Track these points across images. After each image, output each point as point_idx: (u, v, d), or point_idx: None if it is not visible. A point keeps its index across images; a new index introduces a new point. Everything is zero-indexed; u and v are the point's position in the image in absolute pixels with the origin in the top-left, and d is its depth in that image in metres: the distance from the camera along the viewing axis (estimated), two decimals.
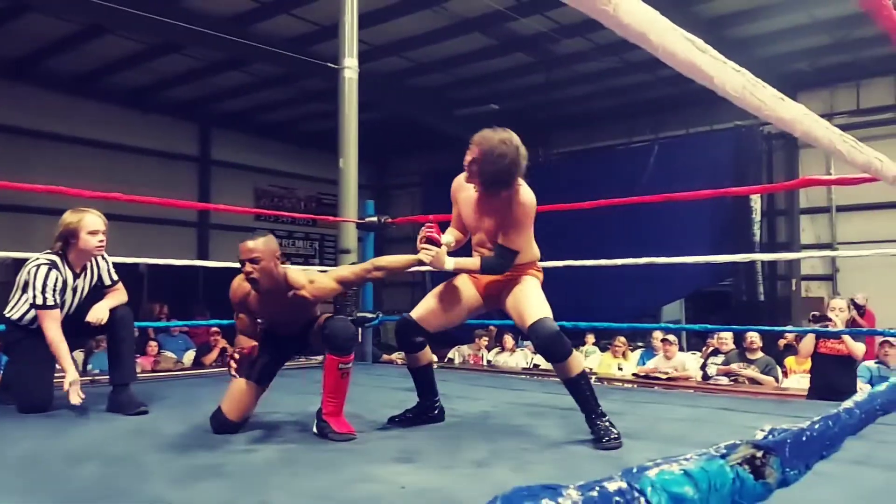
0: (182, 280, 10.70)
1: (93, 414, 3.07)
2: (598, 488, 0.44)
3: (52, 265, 3.11)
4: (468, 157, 2.81)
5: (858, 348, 4.73)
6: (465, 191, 2.98)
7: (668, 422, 3.21)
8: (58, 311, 3.10)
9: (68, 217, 3.19)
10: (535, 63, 10.03)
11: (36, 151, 10.24)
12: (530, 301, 2.74)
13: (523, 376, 5.74)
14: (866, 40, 8.74)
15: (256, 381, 2.78)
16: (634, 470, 0.48)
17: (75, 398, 2.98)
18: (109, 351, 3.33)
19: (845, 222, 10.20)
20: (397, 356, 8.24)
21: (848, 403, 0.92)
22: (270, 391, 2.90)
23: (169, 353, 7.48)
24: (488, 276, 2.87)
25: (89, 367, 6.62)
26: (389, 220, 5.53)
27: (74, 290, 3.22)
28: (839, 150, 1.19)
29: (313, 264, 13.87)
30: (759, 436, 0.65)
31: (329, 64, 5.96)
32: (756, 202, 10.41)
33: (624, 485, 0.45)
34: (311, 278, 2.76)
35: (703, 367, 6.80)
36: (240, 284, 2.76)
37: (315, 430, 2.68)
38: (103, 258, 3.35)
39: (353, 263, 5.34)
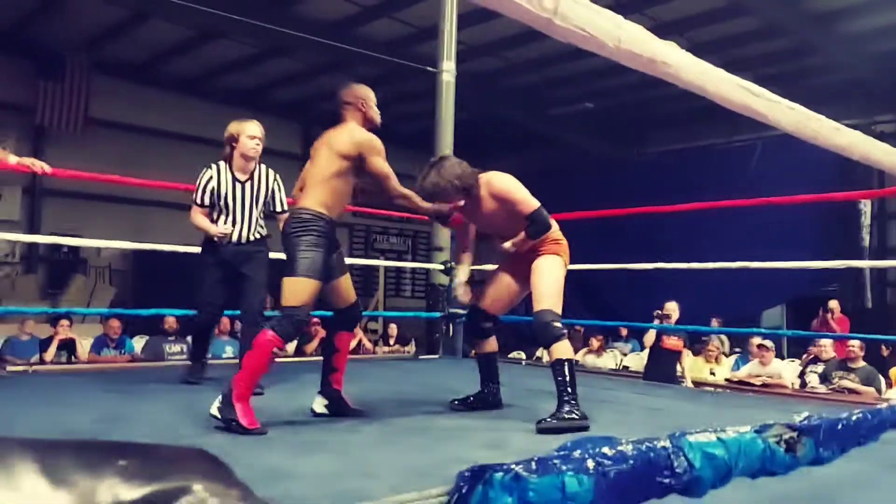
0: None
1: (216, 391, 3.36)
2: (646, 444, 0.56)
3: (212, 170, 3.67)
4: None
5: None
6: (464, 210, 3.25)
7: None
8: (203, 209, 3.67)
9: (232, 126, 3.70)
10: None
11: (153, 148, 10.99)
12: (541, 288, 3.01)
13: (612, 377, 5.77)
14: None
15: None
16: (678, 433, 0.60)
17: (223, 230, 3.61)
18: (242, 336, 3.75)
19: None
20: None
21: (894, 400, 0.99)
22: (363, 378, 3.10)
23: None
24: (520, 260, 3.12)
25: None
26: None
27: (237, 192, 3.67)
28: None
29: (406, 260, 14.23)
30: (797, 420, 0.74)
31: (428, 68, 6.16)
32: (865, 205, 9.93)
33: (668, 443, 0.57)
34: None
35: (802, 374, 6.60)
36: None
37: (217, 412, 2.55)
38: (277, 184, 3.82)
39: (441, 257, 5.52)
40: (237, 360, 3.31)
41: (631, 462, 0.54)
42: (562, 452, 0.54)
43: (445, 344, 6.03)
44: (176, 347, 7.34)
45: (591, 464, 0.52)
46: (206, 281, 3.72)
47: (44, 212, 10.47)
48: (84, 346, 7.09)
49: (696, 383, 5.20)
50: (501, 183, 3.13)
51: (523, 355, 8.43)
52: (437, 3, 6.07)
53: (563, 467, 0.50)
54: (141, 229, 10.58)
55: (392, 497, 0.50)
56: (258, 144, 3.69)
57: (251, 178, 3.73)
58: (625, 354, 9.02)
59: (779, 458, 0.68)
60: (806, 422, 0.75)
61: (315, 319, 7.88)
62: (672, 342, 6.00)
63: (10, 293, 9.66)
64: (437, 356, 5.91)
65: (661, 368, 5.72)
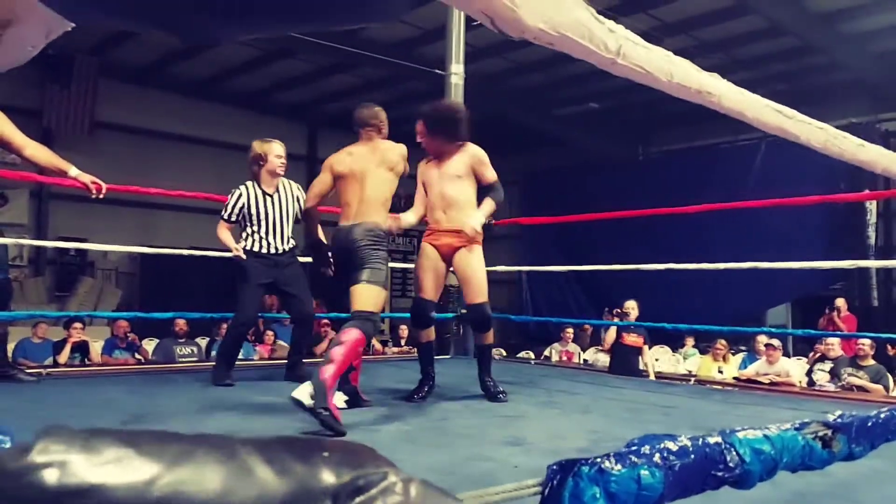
0: None
1: (241, 391, 3.43)
2: (702, 439, 0.61)
3: (242, 189, 3.97)
4: (419, 139, 3.55)
5: None
6: (428, 171, 3.59)
7: (767, 422, 3.24)
8: (230, 224, 3.96)
9: (257, 146, 4.01)
10: None
11: (161, 151, 11.06)
12: (475, 279, 3.44)
13: (622, 375, 5.81)
14: None
15: None
16: (728, 431, 0.65)
17: (239, 254, 3.88)
18: (300, 337, 4.23)
19: None
20: (495, 352, 8.43)
21: None
22: (378, 378, 3.14)
23: (282, 343, 7.96)
24: (445, 243, 3.49)
25: (213, 353, 7.15)
26: (493, 221, 5.70)
27: (268, 206, 3.97)
28: None
29: (411, 261, 14.27)
30: (831, 418, 0.79)
31: (436, 70, 6.21)
32: (872, 203, 9.94)
33: (720, 440, 0.62)
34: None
35: (809, 373, 6.63)
36: None
37: (307, 398, 2.57)
38: (301, 192, 4.11)
39: None
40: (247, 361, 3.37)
41: (692, 456, 0.58)
42: (633, 448, 0.58)
43: (456, 344, 6.08)
44: (186, 349, 7.41)
45: (658, 458, 0.56)
46: (247, 291, 3.92)
47: (51, 215, 10.53)
48: (96, 349, 7.15)
49: (705, 381, 5.23)
50: (478, 149, 3.51)
51: (532, 355, 8.48)
52: (441, 5, 6.11)
53: (637, 461, 0.55)
54: (148, 232, 10.65)
55: (492, 488, 0.55)
56: (284, 162, 4.05)
57: (277, 191, 4.03)
58: None
59: (817, 454, 0.73)
60: (840, 419, 0.79)
61: (325, 321, 7.95)
62: (632, 339, 6.43)
63: (19, 296, 9.71)
64: (448, 356, 5.95)
65: (624, 363, 6.17)
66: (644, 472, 0.54)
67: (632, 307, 6.62)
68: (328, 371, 2.61)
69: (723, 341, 7.43)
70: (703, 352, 8.33)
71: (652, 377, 6.03)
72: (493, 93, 11.04)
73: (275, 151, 4.02)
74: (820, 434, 0.74)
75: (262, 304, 4.15)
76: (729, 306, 10.35)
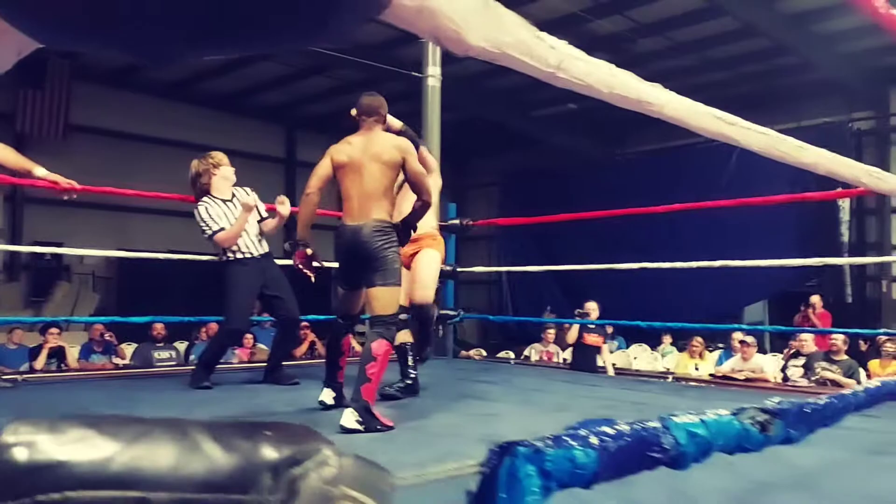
0: None
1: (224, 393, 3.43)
2: (640, 424, 0.64)
3: (204, 203, 3.92)
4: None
5: None
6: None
7: None
8: (227, 231, 3.87)
9: (200, 162, 4.01)
10: (612, 62, 10.02)
11: (136, 154, 10.97)
12: (424, 281, 3.61)
13: (597, 374, 5.87)
14: None
15: None
16: (667, 415, 0.68)
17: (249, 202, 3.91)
18: (284, 339, 4.28)
19: None
20: (475, 352, 8.47)
21: (859, 388, 1.08)
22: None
23: (262, 346, 7.93)
24: (410, 251, 3.62)
25: (192, 357, 7.12)
26: (471, 222, 5.73)
27: (233, 211, 3.93)
28: (864, 183, 1.33)
29: None
30: (770, 404, 0.83)
31: (413, 73, 6.22)
32: (844, 201, 10.09)
33: (658, 424, 0.65)
34: None
35: (784, 368, 6.73)
36: None
37: (356, 425, 2.65)
38: (255, 195, 4.07)
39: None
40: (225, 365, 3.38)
41: (627, 439, 0.61)
42: (570, 431, 0.61)
43: (437, 344, 6.09)
44: (165, 354, 7.36)
45: (594, 440, 0.59)
46: (239, 298, 3.91)
47: (26, 219, 10.41)
48: (72, 354, 7.09)
49: (681, 378, 5.30)
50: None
51: (511, 354, 8.52)
52: None
53: (573, 443, 0.58)
54: (125, 236, 10.56)
55: (435, 468, 0.57)
56: (233, 169, 4.09)
57: (234, 196, 4.03)
58: (612, 352, 9.13)
59: (753, 437, 0.76)
60: (778, 405, 0.83)
61: (304, 323, 7.93)
62: (592, 338, 6.77)
63: None
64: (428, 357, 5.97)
65: (585, 360, 6.54)
66: (578, 452, 0.57)
67: (592, 308, 6.94)
68: (368, 390, 2.72)
69: (698, 338, 7.52)
70: (680, 349, 8.42)
71: (610, 373, 6.36)
72: (471, 94, 11.08)
73: (226, 159, 4.07)
74: (758, 419, 0.78)
75: (254, 311, 4.12)
76: (706, 304, 10.46)
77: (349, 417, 2.65)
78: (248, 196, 4.03)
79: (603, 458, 0.58)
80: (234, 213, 3.94)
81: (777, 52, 9.25)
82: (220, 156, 4.06)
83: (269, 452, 0.47)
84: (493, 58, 0.67)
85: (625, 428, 0.63)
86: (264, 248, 4.05)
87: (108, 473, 0.44)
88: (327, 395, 3.17)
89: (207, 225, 3.90)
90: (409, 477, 0.54)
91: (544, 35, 0.71)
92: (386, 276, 2.89)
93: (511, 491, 0.51)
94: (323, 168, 3.08)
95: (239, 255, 3.92)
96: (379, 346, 2.80)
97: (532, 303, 13.08)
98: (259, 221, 4.08)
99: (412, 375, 3.62)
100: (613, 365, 7.34)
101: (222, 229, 3.88)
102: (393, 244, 2.94)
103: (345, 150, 3.05)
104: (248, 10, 0.47)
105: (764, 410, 0.79)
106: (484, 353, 8.28)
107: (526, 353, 8.91)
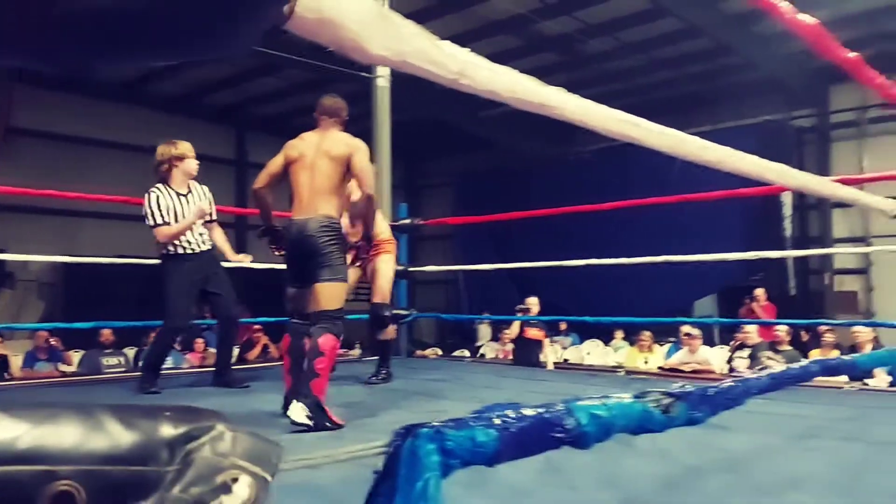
0: None
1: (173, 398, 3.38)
2: (546, 408, 0.68)
3: (156, 191, 3.87)
4: None
5: None
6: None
7: None
8: (169, 227, 3.80)
9: (170, 148, 3.96)
10: (561, 63, 10.19)
11: (83, 157, 10.71)
12: (383, 290, 3.97)
13: (553, 370, 5.96)
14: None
15: None
16: (572, 399, 0.72)
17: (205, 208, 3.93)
18: (225, 342, 4.22)
19: (879, 215, 10.15)
20: (430, 352, 8.50)
21: (764, 374, 1.14)
22: None
23: (213, 350, 7.84)
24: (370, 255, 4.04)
25: (141, 363, 6.99)
26: (421, 221, 5.77)
27: (184, 206, 3.89)
28: (770, 179, 1.41)
29: None
30: (673, 388, 0.88)
31: (363, 73, 6.22)
32: (787, 197, 10.40)
33: (563, 407, 0.69)
34: None
35: (730, 360, 6.92)
36: None
37: (305, 419, 2.65)
38: (209, 193, 4.08)
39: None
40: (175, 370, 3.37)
41: (530, 420, 0.65)
42: (475, 414, 0.64)
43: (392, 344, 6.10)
44: (113, 360, 7.23)
45: (497, 421, 0.63)
46: (176, 296, 3.83)
47: None
48: (16, 362, 6.90)
49: (631, 372, 5.42)
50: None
51: (467, 353, 8.59)
52: None
53: (474, 424, 0.61)
54: (72, 241, 10.30)
55: (343, 448, 0.60)
56: (197, 163, 4.06)
57: (191, 191, 3.99)
58: (565, 348, 9.27)
59: (655, 419, 0.81)
60: (680, 389, 0.88)
61: (256, 326, 7.86)
62: (533, 333, 6.98)
63: None
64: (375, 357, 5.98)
65: (526, 354, 6.75)
66: (479, 432, 0.61)
67: (533, 303, 7.17)
68: (318, 385, 2.70)
69: (647, 333, 7.69)
70: (632, 344, 8.58)
71: (550, 367, 6.50)
72: (421, 95, 11.07)
73: (191, 151, 4.03)
74: (662, 402, 0.82)
75: (194, 309, 4.04)
76: (658, 299, 10.65)
77: (298, 412, 2.64)
78: (205, 197, 4.00)
79: (504, 438, 0.62)
80: (185, 209, 3.88)
81: (720, 52, 9.48)
82: (185, 147, 4.00)
83: (167, 429, 0.51)
84: (396, 65, 0.70)
85: (529, 412, 0.66)
86: (207, 245, 3.99)
87: (14, 450, 0.48)
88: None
89: (153, 215, 3.83)
90: (319, 457, 0.57)
91: (444, 43, 0.75)
92: (332, 272, 2.90)
93: (411, 468, 0.54)
94: (274, 164, 3.13)
95: (179, 251, 3.85)
96: (326, 340, 2.79)
97: (489, 301, 13.17)
98: (208, 222, 4.03)
99: (384, 372, 4.07)
100: (566, 360, 7.46)
101: (166, 224, 3.81)
102: (339, 240, 2.96)
103: (298, 145, 3.10)
104: (153, 25, 0.49)
105: (667, 394, 0.84)
106: (440, 352, 8.33)
107: (482, 351, 8.99)
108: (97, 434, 0.49)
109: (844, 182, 5.54)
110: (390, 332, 4.21)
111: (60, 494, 0.45)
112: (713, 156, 1.24)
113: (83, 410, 0.52)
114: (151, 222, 3.84)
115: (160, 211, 3.83)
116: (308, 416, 2.63)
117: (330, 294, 2.90)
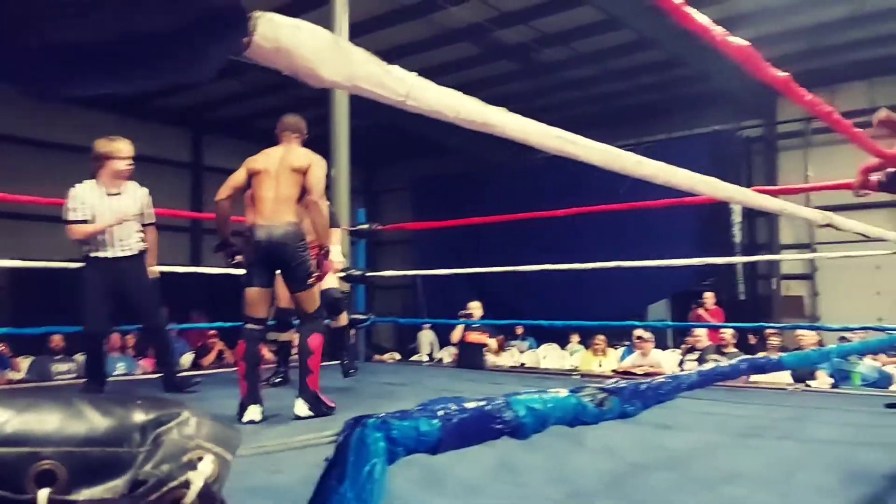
0: (176, 284, 10.92)
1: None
2: (486, 401, 0.73)
3: (81, 187, 3.76)
4: None
5: None
6: None
7: None
8: (82, 225, 3.69)
9: (104, 145, 3.81)
10: (519, 71, 10.32)
11: (34, 159, 10.47)
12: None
13: (511, 374, 6.04)
14: (840, 47, 9.08)
15: None
16: (512, 394, 0.78)
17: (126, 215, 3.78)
18: (158, 349, 4.21)
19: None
20: (389, 356, 8.53)
21: (694, 371, 1.22)
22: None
23: None
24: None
25: None
26: (379, 226, 5.81)
27: (111, 206, 3.75)
28: (700, 191, 1.51)
29: None
30: (607, 384, 0.95)
31: None
32: (736, 205, 10.71)
33: (502, 400, 0.75)
34: None
35: (681, 363, 7.10)
36: None
37: (309, 412, 3.12)
38: (148, 195, 3.96)
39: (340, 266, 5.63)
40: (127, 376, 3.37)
41: (471, 412, 0.71)
42: (420, 406, 0.70)
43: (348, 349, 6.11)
44: (63, 367, 7.08)
45: (440, 412, 0.68)
46: (88, 301, 3.73)
47: None
48: None
49: (585, 375, 5.53)
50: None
51: (426, 358, 8.63)
52: (323, 14, 6.16)
53: (419, 415, 0.66)
54: (20, 245, 10.03)
55: (293, 438, 0.65)
56: (130, 164, 3.88)
57: (121, 192, 3.85)
58: (522, 352, 9.38)
59: (588, 411, 0.87)
60: (614, 385, 0.95)
61: (212, 332, 7.78)
62: (475, 336, 7.09)
63: None
64: (338, 362, 5.98)
65: (470, 358, 6.89)
66: (423, 423, 0.66)
67: (476, 307, 7.30)
68: (313, 381, 3.14)
69: (601, 337, 7.83)
70: (588, 348, 8.73)
71: (490, 365, 6.84)
72: (378, 101, 11.10)
73: (124, 151, 3.84)
74: (597, 396, 0.88)
75: (113, 310, 3.87)
76: (613, 303, 10.85)
77: (302, 407, 3.08)
78: (134, 204, 3.86)
79: (447, 428, 0.67)
80: (110, 210, 3.74)
81: (673, 64, 9.72)
82: (115, 146, 3.81)
83: (139, 415, 0.58)
84: (348, 89, 0.77)
85: (472, 405, 0.72)
86: (128, 251, 3.82)
87: (1, 434, 0.54)
88: (257, 412, 3.07)
89: (69, 210, 3.72)
90: (271, 444, 0.62)
91: (392, 68, 0.81)
92: (308, 280, 3.25)
93: (359, 455, 0.59)
94: (237, 177, 3.38)
95: (91, 255, 3.74)
96: (314, 339, 3.19)
97: (447, 306, 13.23)
98: (145, 225, 3.94)
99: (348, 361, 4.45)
100: (523, 364, 7.56)
101: (82, 222, 3.70)
102: (306, 248, 3.26)
103: (261, 160, 3.37)
104: (113, 53, 0.54)
105: (601, 389, 0.90)
106: (398, 357, 8.35)
107: (438, 355, 9.04)
108: (76, 420, 0.55)
109: (790, 192, 5.80)
110: (343, 318, 4.46)
111: (44, 472, 0.51)
112: (647, 170, 1.31)
113: (62, 400, 0.58)
114: (65, 217, 3.73)
115: (77, 206, 3.71)
116: (310, 409, 3.08)
117: (310, 298, 3.27)
